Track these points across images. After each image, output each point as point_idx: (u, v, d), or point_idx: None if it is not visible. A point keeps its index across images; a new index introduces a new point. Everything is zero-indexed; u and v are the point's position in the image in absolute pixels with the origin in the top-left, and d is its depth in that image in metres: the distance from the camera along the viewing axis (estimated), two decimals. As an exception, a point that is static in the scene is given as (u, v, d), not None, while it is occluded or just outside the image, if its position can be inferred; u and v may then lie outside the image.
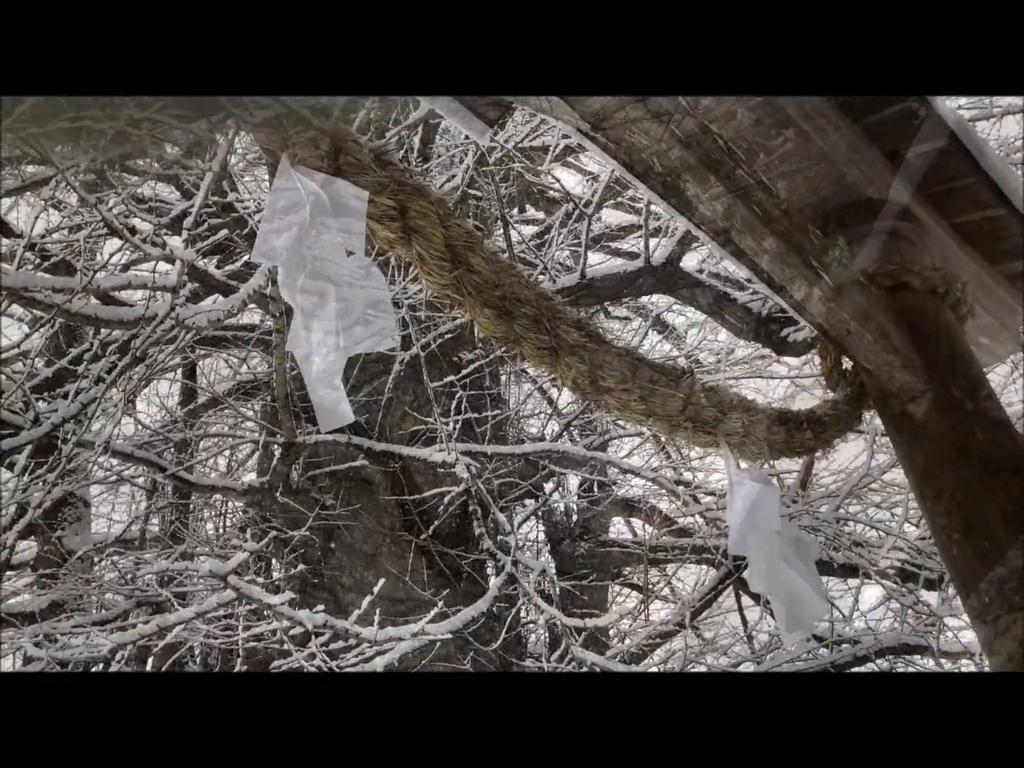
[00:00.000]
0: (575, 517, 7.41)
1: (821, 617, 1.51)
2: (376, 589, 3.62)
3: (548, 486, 7.26)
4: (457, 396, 5.13)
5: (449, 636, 3.94)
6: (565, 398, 9.61)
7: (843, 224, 2.35)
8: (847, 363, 2.27)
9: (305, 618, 3.41)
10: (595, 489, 7.23)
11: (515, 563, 4.33)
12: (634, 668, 4.72)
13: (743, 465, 1.54)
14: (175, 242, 3.73)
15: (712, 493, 7.50)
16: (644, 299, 9.64)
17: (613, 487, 7.60)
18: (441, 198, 1.14)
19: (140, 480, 7.18)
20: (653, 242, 6.06)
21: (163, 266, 4.39)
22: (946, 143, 2.40)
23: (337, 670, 3.45)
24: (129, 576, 5.69)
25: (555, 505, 7.45)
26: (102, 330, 4.20)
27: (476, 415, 5.70)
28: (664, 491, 7.03)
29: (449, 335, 6.11)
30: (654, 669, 6.19)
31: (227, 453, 7.59)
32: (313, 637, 3.34)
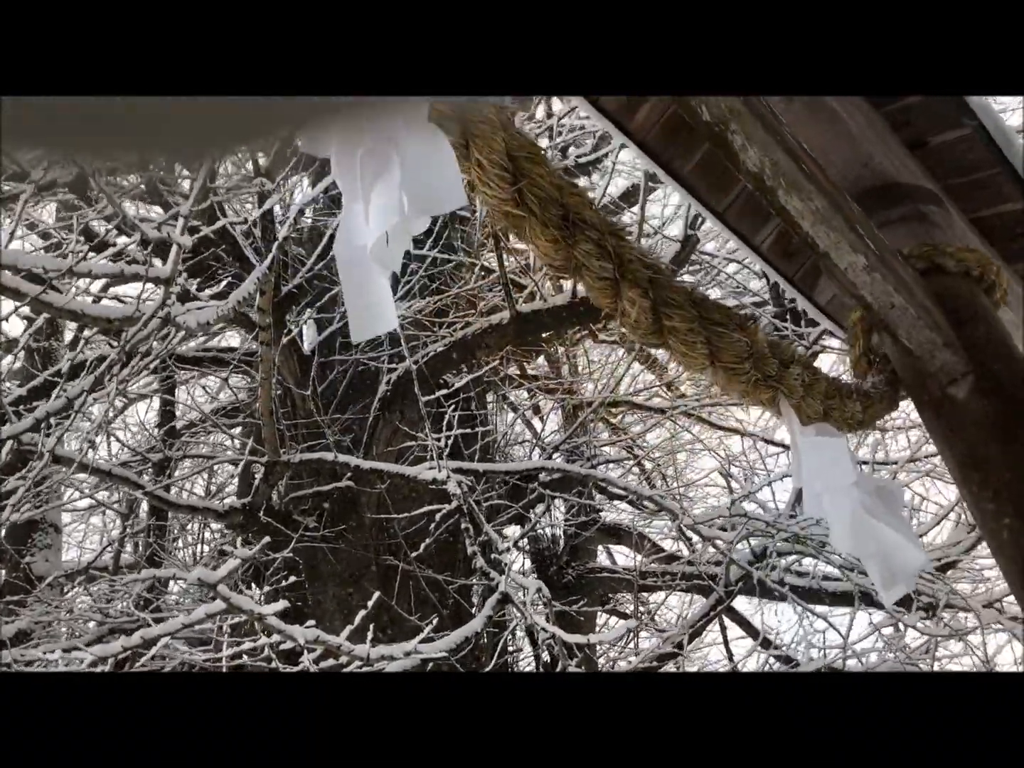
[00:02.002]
0: (562, 544, 7.28)
1: (922, 568, 1.41)
2: (371, 602, 3.47)
3: (535, 512, 7.13)
4: (447, 415, 5.01)
5: (443, 655, 3.79)
6: (550, 427, 9.55)
7: (870, 208, 2.29)
8: (875, 352, 2.19)
9: (297, 633, 3.25)
10: (582, 514, 7.10)
11: (505, 577, 4.19)
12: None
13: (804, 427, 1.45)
14: (158, 264, 3.61)
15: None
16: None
17: (600, 513, 7.48)
18: (503, 104, 1.05)
19: (115, 504, 6.97)
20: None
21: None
22: (972, 130, 2.36)
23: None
24: (105, 599, 5.47)
25: (542, 531, 7.32)
26: (84, 340, 4.06)
27: (468, 430, 5.57)
28: (653, 515, 6.93)
29: (443, 348, 6.01)
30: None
31: (205, 476, 7.40)
32: (305, 652, 3.18)
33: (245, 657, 3.86)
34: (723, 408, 9.19)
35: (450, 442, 4.80)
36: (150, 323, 2.92)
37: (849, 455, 1.40)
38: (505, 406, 9.22)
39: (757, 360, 1.32)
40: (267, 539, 3.09)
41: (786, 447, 8.49)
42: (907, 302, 1.80)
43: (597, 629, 6.80)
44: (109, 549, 6.89)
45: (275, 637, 3.35)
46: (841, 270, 1.71)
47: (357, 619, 3.48)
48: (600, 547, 7.70)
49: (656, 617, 8.21)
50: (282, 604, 2.97)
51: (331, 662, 3.58)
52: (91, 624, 6.02)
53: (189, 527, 6.99)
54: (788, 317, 5.27)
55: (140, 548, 6.80)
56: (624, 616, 7.27)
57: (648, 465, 8.61)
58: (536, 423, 9.63)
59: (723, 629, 7.57)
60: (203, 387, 8.88)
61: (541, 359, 9.80)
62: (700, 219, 5.92)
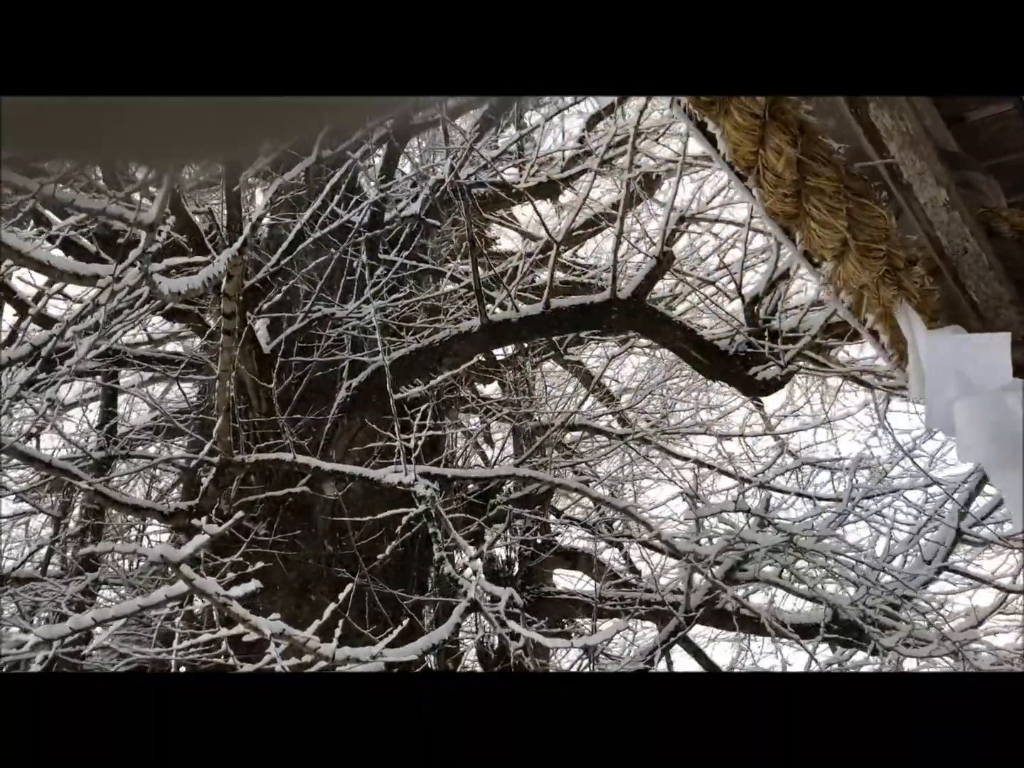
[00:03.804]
0: (517, 566, 7.08)
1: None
2: (342, 596, 3.24)
3: (493, 529, 6.91)
4: (415, 423, 4.79)
5: (412, 658, 3.56)
6: (502, 455, 9.35)
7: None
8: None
9: (263, 624, 3.00)
10: (539, 534, 6.93)
11: (475, 584, 3.99)
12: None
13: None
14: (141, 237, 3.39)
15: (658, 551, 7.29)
16: (587, 352, 9.57)
17: (557, 537, 7.33)
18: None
19: (48, 507, 6.57)
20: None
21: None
22: (1013, 107, 2.30)
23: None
24: (31, 602, 5.09)
25: (497, 552, 7.11)
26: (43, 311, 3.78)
27: (439, 432, 5.36)
28: (614, 539, 6.78)
29: (408, 352, 5.81)
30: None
31: (147, 482, 7.03)
32: (272, 645, 2.93)
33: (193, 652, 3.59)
34: (680, 438, 9.14)
35: (420, 443, 4.59)
36: (129, 272, 2.69)
37: (1008, 353, 1.27)
38: (459, 432, 9.03)
39: (891, 245, 1.18)
40: (240, 514, 2.85)
41: (742, 479, 8.43)
42: (980, 249, 1.70)
43: (552, 653, 6.58)
44: (33, 559, 6.47)
45: (237, 628, 3.09)
46: (920, 204, 1.60)
47: (326, 613, 3.25)
48: (557, 570, 7.52)
49: (603, 652, 8.03)
50: (253, 584, 2.72)
51: (293, 660, 3.33)
52: (14, 629, 5.61)
53: (127, 533, 6.61)
54: (766, 335, 5.21)
55: (72, 554, 6.40)
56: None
57: (603, 491, 8.48)
58: (488, 451, 9.45)
59: (669, 663, 7.38)
60: (143, 399, 8.51)
61: (494, 385, 9.66)
62: (676, 235, 5.88)
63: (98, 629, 4.16)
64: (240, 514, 2.74)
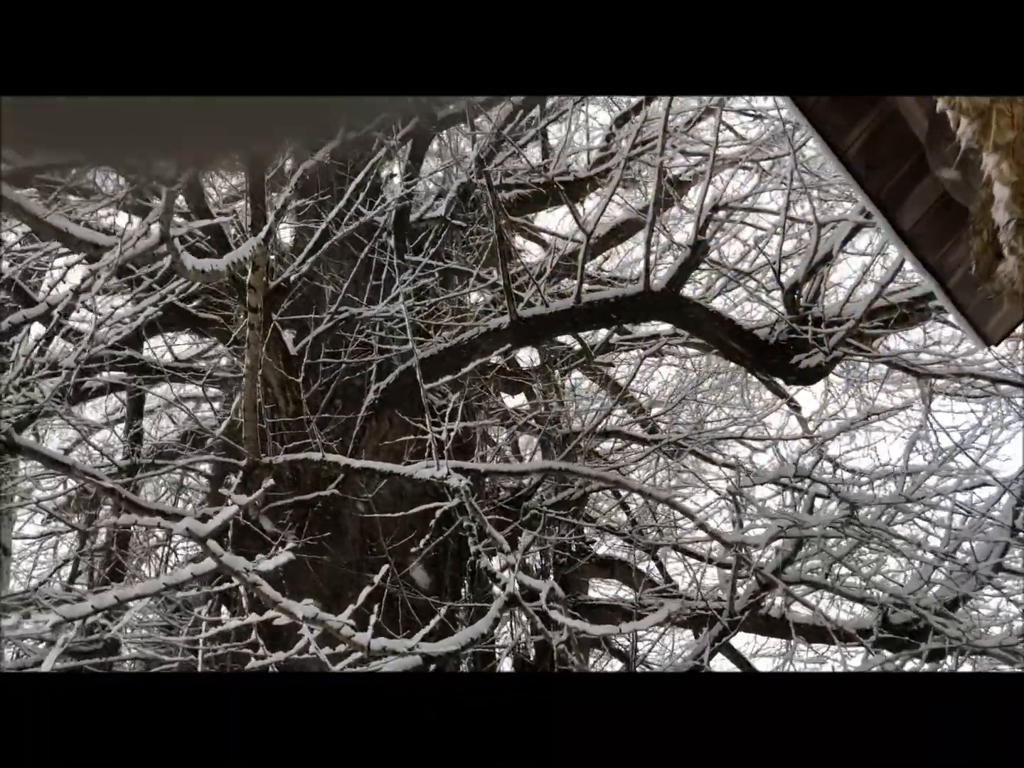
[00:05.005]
0: (552, 575, 6.87)
1: None
2: (376, 578, 3.08)
3: (522, 540, 6.71)
4: (451, 406, 4.63)
5: (452, 650, 3.39)
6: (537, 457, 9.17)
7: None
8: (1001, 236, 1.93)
9: (296, 608, 2.84)
10: (573, 539, 6.73)
11: (513, 577, 3.81)
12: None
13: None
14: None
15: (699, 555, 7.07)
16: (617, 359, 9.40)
17: (591, 545, 7.12)
18: None
19: (74, 521, 6.48)
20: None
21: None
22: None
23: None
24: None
25: (528, 561, 6.91)
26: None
27: (471, 423, 5.21)
28: (655, 541, 6.58)
29: (437, 352, 5.67)
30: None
31: (175, 492, 6.92)
32: (308, 631, 2.76)
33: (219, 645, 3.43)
34: (711, 445, 8.94)
35: (452, 434, 4.41)
36: (149, 232, 2.57)
37: None
38: (488, 446, 8.87)
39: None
40: (271, 482, 2.70)
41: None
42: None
43: (590, 663, 6.36)
44: (59, 576, 6.37)
45: (268, 614, 2.94)
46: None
47: (361, 597, 3.09)
48: (591, 579, 7.31)
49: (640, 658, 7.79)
50: (285, 556, 2.56)
51: (327, 650, 3.16)
52: (40, 645, 5.49)
53: (154, 546, 6.49)
54: (809, 321, 5.02)
55: (98, 570, 6.28)
56: (617, 652, 6.84)
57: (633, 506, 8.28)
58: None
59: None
60: (170, 416, 8.43)
61: (521, 397, 9.50)
62: (710, 223, 5.72)
63: (121, 630, 4.02)
64: (270, 482, 2.59)
